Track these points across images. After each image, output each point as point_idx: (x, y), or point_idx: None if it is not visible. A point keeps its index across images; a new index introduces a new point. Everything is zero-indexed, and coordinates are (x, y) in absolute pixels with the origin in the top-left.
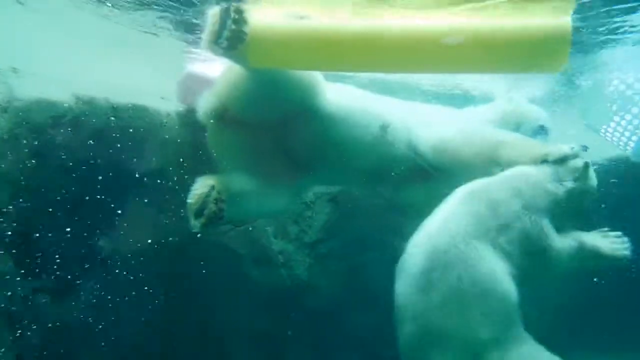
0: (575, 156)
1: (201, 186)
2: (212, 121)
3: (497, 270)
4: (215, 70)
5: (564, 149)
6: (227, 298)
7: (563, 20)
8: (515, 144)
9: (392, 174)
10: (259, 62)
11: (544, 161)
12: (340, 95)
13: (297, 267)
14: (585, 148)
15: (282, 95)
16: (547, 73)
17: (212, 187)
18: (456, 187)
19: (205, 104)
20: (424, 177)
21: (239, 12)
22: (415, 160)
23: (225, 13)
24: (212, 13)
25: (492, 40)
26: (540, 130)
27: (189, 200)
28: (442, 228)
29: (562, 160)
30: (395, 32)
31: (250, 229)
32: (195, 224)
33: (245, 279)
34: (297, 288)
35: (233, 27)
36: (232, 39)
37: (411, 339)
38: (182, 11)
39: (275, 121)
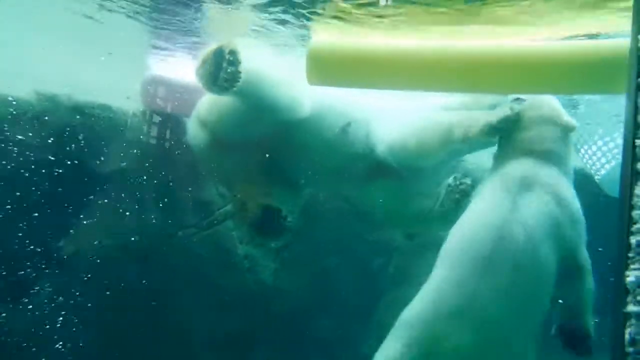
0: (516, 115)
1: (209, 51)
2: (201, 146)
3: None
4: (178, 72)
5: (504, 110)
6: (191, 302)
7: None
8: (463, 121)
9: (353, 173)
10: (316, 81)
11: (492, 128)
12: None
13: (263, 271)
14: (520, 101)
15: (266, 116)
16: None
17: (222, 49)
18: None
19: (192, 131)
20: (386, 175)
21: (233, 53)
22: (374, 158)
23: (219, 54)
24: (204, 52)
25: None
26: (518, 102)
27: (197, 68)
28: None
29: (506, 122)
30: (455, 53)
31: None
32: (213, 88)
33: (210, 283)
34: (262, 292)
35: (229, 69)
36: (230, 80)
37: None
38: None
39: (261, 138)
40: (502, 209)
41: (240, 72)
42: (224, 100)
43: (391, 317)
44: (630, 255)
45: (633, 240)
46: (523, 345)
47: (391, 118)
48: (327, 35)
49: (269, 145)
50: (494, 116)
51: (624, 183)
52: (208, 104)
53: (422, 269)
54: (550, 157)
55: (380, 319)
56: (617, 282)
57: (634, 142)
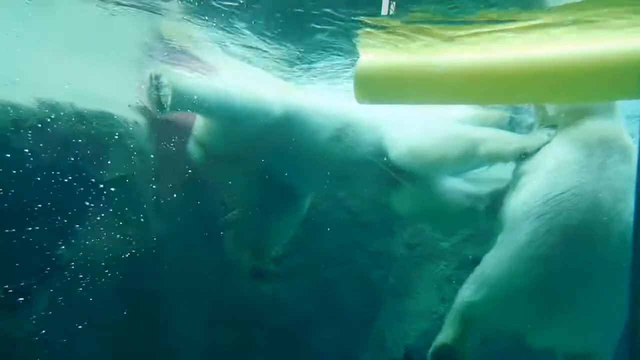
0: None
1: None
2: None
3: None
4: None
5: (541, 138)
6: (189, 312)
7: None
8: (491, 139)
9: (362, 178)
10: (365, 98)
11: (524, 153)
12: (303, 101)
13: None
14: (553, 128)
15: (242, 124)
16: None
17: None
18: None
19: (190, 149)
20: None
21: (157, 77)
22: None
23: (149, 80)
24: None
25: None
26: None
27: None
28: None
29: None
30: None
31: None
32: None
33: (209, 293)
34: (261, 303)
35: (155, 93)
36: (159, 103)
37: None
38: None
39: (249, 147)
40: (586, 172)
41: (167, 95)
42: (210, 121)
43: (391, 327)
44: None
45: None
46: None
47: (408, 124)
48: (373, 54)
49: (260, 153)
50: (528, 142)
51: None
52: (200, 124)
53: (421, 280)
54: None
55: (380, 330)
56: (634, 287)
57: None
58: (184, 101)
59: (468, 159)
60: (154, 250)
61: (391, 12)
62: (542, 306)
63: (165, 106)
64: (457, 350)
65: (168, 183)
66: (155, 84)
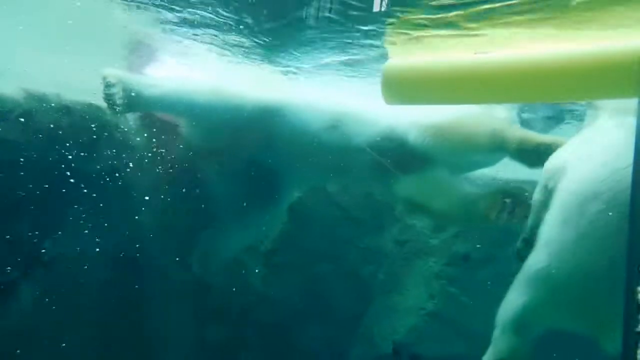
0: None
1: None
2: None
3: None
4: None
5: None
6: (178, 307)
7: None
8: (515, 132)
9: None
10: (392, 101)
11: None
12: (284, 92)
13: (252, 277)
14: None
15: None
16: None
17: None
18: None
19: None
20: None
21: (104, 79)
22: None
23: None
24: None
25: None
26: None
27: None
28: None
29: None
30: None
31: None
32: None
33: (198, 288)
34: (251, 298)
35: (105, 92)
36: (109, 103)
37: None
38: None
39: (241, 140)
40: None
41: (112, 95)
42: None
43: (380, 323)
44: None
45: None
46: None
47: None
48: (401, 56)
49: (244, 147)
50: (551, 140)
51: (635, 196)
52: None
53: (410, 277)
54: None
55: (369, 326)
56: (628, 300)
57: None
58: (146, 101)
59: (495, 147)
60: (140, 245)
61: (383, 9)
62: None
63: (116, 106)
64: None
65: (154, 178)
66: (105, 84)
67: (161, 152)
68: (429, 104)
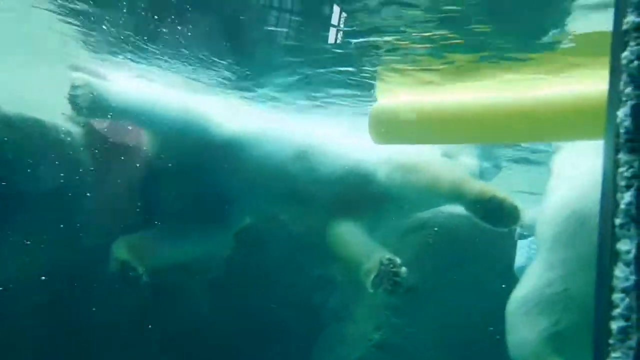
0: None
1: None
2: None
3: None
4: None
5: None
6: (121, 331)
7: None
8: (478, 184)
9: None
10: (381, 141)
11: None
12: (256, 121)
13: (197, 303)
14: None
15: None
16: None
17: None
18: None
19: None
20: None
21: (72, 80)
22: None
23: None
24: None
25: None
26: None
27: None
28: None
29: None
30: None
31: None
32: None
33: (142, 312)
34: (197, 326)
35: (71, 95)
36: (74, 106)
37: None
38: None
39: (189, 162)
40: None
41: (78, 96)
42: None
43: (329, 353)
44: (611, 342)
45: (614, 325)
46: None
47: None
48: (388, 98)
49: (206, 168)
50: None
51: (602, 263)
52: (140, 133)
53: (360, 306)
54: None
55: (318, 355)
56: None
57: (613, 222)
58: (111, 108)
59: (453, 196)
60: (83, 266)
61: (338, 41)
62: None
63: (80, 109)
64: None
65: (102, 193)
66: (71, 85)
67: (117, 161)
68: (416, 143)
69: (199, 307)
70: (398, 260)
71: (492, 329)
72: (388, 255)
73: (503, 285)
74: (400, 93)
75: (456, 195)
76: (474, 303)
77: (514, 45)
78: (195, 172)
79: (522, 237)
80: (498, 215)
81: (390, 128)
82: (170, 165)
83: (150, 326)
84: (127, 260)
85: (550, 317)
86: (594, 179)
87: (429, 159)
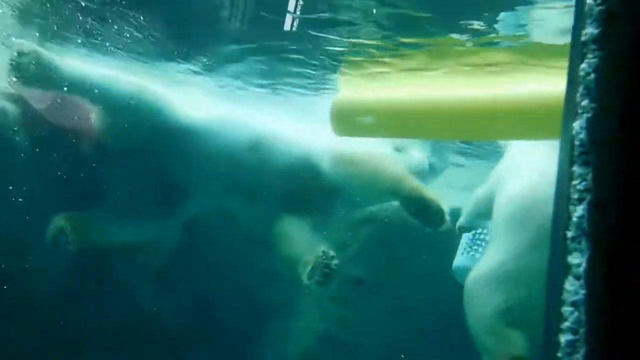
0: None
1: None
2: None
3: None
4: None
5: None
6: (59, 329)
7: None
8: (413, 182)
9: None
10: (342, 132)
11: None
12: (211, 110)
13: (138, 295)
14: None
15: (126, 120)
16: None
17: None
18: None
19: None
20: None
21: (17, 46)
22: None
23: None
24: None
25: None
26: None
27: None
28: None
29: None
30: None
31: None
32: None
33: (80, 307)
34: (136, 318)
35: (14, 61)
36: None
37: None
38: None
39: (139, 145)
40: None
41: (24, 63)
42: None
43: (273, 346)
44: (559, 355)
45: (562, 339)
46: None
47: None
48: (349, 90)
49: (158, 154)
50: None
51: (552, 277)
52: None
53: (305, 299)
54: None
55: (262, 349)
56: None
57: (565, 235)
58: (60, 79)
59: (391, 192)
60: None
61: (294, 29)
62: None
63: (24, 77)
64: None
65: (42, 171)
66: (17, 52)
67: (61, 138)
68: (376, 136)
69: (140, 298)
70: (331, 253)
71: (438, 320)
72: (323, 248)
73: (450, 277)
74: (362, 86)
75: (391, 191)
76: (421, 295)
77: (466, 39)
78: (144, 156)
79: (465, 230)
80: (425, 216)
81: (350, 120)
82: (119, 146)
83: (86, 316)
84: (64, 227)
85: (502, 294)
86: (542, 170)
87: (370, 152)
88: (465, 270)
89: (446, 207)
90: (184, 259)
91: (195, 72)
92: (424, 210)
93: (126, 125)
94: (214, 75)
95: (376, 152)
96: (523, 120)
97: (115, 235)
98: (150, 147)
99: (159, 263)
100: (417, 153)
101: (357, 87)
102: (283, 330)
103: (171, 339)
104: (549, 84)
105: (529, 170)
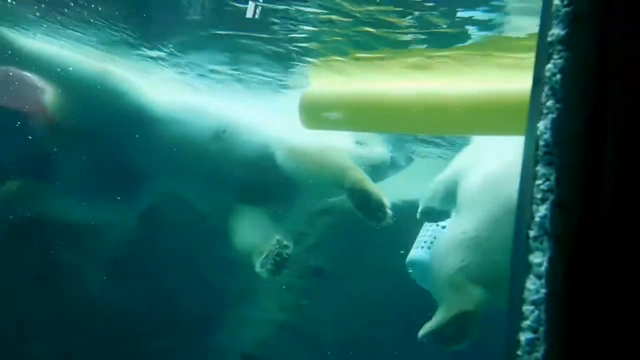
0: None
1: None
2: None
3: None
4: None
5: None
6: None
7: None
8: (362, 175)
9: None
10: (311, 125)
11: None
12: (175, 97)
13: (90, 284)
14: None
15: (88, 101)
16: None
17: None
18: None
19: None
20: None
21: None
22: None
23: None
24: None
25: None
26: (409, 160)
27: None
28: None
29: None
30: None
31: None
32: None
33: (26, 297)
34: (88, 308)
35: None
36: None
37: None
38: None
39: (101, 129)
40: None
41: None
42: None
43: (230, 336)
44: (519, 353)
45: (522, 337)
46: None
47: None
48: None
49: (116, 139)
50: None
51: (514, 276)
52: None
53: (264, 288)
54: None
55: (219, 338)
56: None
57: (528, 234)
58: (18, 53)
59: (336, 184)
60: None
61: (256, 16)
62: None
63: None
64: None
65: None
66: None
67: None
68: (344, 130)
69: (92, 286)
70: (285, 242)
71: (395, 311)
72: (278, 237)
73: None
74: (331, 79)
75: (336, 182)
76: (378, 286)
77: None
78: (103, 138)
79: (426, 216)
80: (367, 210)
81: (319, 114)
82: (77, 126)
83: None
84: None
85: (461, 255)
86: (506, 153)
87: (319, 144)
88: (421, 265)
89: (388, 202)
90: (141, 248)
91: (155, 59)
92: (365, 203)
93: (86, 106)
94: (175, 63)
95: (326, 144)
96: (488, 116)
97: (68, 212)
98: (110, 129)
99: (114, 252)
100: (378, 147)
101: (326, 80)
102: (242, 319)
103: (126, 329)
104: (514, 79)
105: (494, 153)
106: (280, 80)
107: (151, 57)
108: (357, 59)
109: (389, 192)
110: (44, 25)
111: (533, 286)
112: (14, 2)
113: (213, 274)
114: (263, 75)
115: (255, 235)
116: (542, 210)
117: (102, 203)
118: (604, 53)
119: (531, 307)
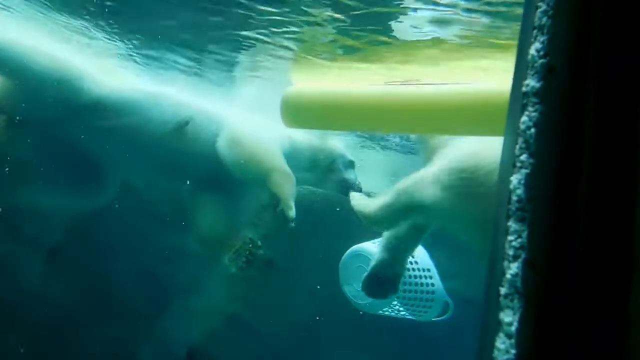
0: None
1: None
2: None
3: None
4: None
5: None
6: None
7: None
8: (286, 175)
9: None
10: (293, 124)
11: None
12: (136, 86)
13: (26, 274)
14: None
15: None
16: None
17: None
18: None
19: None
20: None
21: None
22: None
23: None
24: None
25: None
26: (350, 165)
27: None
28: None
29: None
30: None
31: None
32: None
33: None
34: (23, 299)
35: None
36: None
37: None
38: None
39: (55, 118)
40: None
41: None
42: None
43: (176, 326)
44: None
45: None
46: None
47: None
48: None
49: (71, 127)
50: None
51: (484, 333)
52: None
53: (212, 278)
54: None
55: (164, 329)
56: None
57: (499, 291)
58: None
59: (259, 176)
60: None
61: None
62: None
63: None
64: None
65: None
66: None
67: None
68: (324, 129)
69: (27, 275)
70: (259, 242)
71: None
72: (251, 235)
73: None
74: (312, 78)
75: (261, 177)
76: (326, 276)
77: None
78: (59, 133)
79: (376, 225)
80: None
81: (299, 112)
82: (26, 115)
83: None
84: None
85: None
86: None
87: (252, 138)
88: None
89: (293, 213)
90: (80, 236)
91: (118, 49)
92: (275, 207)
93: (40, 95)
94: (138, 52)
95: (260, 137)
96: (469, 116)
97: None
98: (65, 118)
99: (51, 239)
100: (337, 143)
101: (308, 79)
102: (189, 308)
103: (62, 319)
104: (495, 78)
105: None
106: (244, 72)
107: (114, 46)
108: (340, 57)
109: None
110: None
111: (503, 345)
112: None
113: (160, 264)
114: (226, 64)
115: (212, 226)
116: (513, 268)
117: (59, 195)
118: (579, 107)
119: None
